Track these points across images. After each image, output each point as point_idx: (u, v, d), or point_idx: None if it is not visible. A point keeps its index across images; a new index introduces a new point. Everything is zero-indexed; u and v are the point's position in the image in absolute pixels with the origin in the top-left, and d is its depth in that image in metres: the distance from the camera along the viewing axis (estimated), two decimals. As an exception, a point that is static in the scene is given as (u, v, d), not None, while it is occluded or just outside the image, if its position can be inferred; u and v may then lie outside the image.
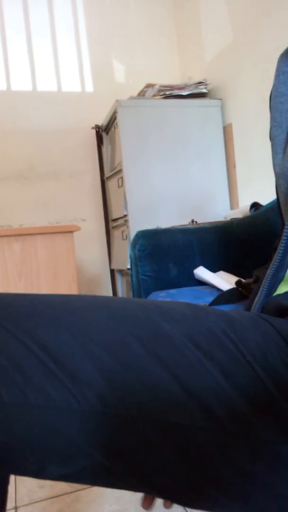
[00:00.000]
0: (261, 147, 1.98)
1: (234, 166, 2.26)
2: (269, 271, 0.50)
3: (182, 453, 0.35)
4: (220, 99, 2.30)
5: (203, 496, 0.36)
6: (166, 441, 0.35)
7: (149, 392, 0.35)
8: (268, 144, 0.55)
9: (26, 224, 2.57)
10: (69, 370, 0.34)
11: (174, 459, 0.35)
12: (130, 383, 0.35)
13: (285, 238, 0.47)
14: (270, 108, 0.54)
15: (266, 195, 1.77)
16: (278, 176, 0.51)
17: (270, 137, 0.54)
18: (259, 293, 0.52)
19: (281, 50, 0.55)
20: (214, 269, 1.34)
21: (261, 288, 0.52)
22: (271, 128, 0.53)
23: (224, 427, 0.35)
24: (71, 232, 1.61)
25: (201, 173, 2.29)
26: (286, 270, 0.49)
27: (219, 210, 2.29)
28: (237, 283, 1.01)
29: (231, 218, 2.01)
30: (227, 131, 2.30)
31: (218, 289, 1.21)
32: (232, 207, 2.30)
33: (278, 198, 0.60)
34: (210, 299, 1.10)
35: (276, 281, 0.50)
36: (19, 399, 0.33)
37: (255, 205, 1.79)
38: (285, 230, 0.47)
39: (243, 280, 1.00)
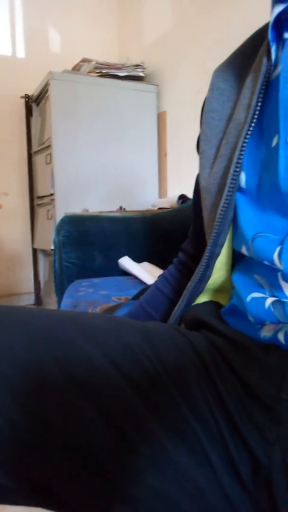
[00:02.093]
0: (192, 138, 2.01)
1: (165, 155, 2.28)
2: (190, 284, 0.51)
3: (92, 473, 0.35)
4: (157, 85, 2.28)
5: None
6: (77, 462, 0.34)
7: (61, 414, 0.34)
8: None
9: None
10: None
11: (84, 480, 0.35)
12: (42, 406, 0.34)
13: (208, 253, 0.48)
14: (200, 121, 0.53)
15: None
16: (203, 190, 0.51)
17: (197, 150, 0.54)
18: (179, 303, 0.53)
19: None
20: (139, 260, 1.34)
21: (181, 299, 0.52)
22: (200, 141, 0.52)
23: (135, 449, 0.35)
24: (-8, 209, 1.51)
25: (133, 158, 2.28)
26: (206, 283, 0.50)
27: (148, 197, 2.30)
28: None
29: (159, 208, 2.03)
30: (161, 118, 2.30)
31: (141, 281, 1.22)
32: (160, 196, 2.33)
33: (195, 204, 0.61)
34: (133, 291, 1.11)
35: (196, 293, 0.51)
36: None
37: (182, 197, 1.82)
38: (208, 246, 0.48)
39: (166, 276, 1.02)
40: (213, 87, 0.52)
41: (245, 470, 0.35)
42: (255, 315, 0.42)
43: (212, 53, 1.81)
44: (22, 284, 2.61)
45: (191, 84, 2.01)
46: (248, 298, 0.43)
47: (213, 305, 0.52)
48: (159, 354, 0.39)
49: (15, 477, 0.34)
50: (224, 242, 0.47)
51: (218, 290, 0.54)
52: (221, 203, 0.45)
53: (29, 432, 0.33)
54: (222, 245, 0.47)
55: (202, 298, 0.53)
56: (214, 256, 0.48)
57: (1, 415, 0.32)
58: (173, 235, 1.42)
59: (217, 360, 0.41)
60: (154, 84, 2.29)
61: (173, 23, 2.12)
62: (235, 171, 0.45)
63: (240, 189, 0.46)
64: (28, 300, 2.62)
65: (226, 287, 0.53)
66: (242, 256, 0.48)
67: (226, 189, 0.45)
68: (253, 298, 0.42)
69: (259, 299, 0.42)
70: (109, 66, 2.23)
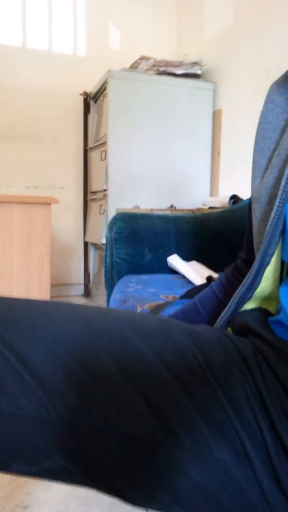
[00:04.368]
0: (248, 138, 1.99)
1: (219, 154, 2.27)
2: (239, 291, 0.52)
3: (140, 463, 0.38)
4: (213, 83, 2.27)
5: (155, 501, 0.39)
6: (127, 452, 0.37)
7: (116, 406, 0.37)
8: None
9: (2, 185, 2.50)
10: (43, 382, 0.36)
11: (132, 468, 0.38)
12: (99, 397, 0.37)
13: (258, 262, 0.49)
14: (256, 132, 0.55)
15: (247, 187, 1.79)
16: (253, 199, 0.52)
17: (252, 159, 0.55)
18: (226, 308, 0.54)
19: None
20: (187, 258, 1.36)
21: (229, 305, 0.54)
22: (253, 151, 0.54)
23: (181, 444, 0.37)
24: (49, 204, 1.59)
25: (185, 156, 2.29)
26: (254, 291, 0.52)
27: (199, 195, 2.31)
28: (208, 279, 1.04)
29: (209, 207, 2.03)
30: (216, 116, 2.28)
31: (189, 280, 1.24)
32: (212, 195, 2.32)
33: (250, 213, 0.62)
34: (180, 290, 1.13)
35: (244, 299, 0.53)
36: None
37: (234, 197, 1.82)
38: (258, 256, 0.49)
39: (213, 277, 1.03)
40: (268, 100, 0.53)
41: (284, 475, 0.37)
42: None
43: (272, 51, 1.77)
44: (73, 275, 2.71)
45: (249, 82, 1.98)
46: None
47: (261, 312, 0.54)
48: (206, 356, 0.42)
49: (72, 460, 0.37)
50: (274, 252, 0.48)
51: (267, 298, 0.55)
52: (272, 214, 0.47)
53: (85, 419, 0.36)
54: (272, 255, 0.48)
55: (250, 305, 0.55)
56: (263, 265, 0.49)
57: (62, 402, 0.36)
58: (223, 236, 1.43)
59: (262, 367, 0.42)
60: (211, 82, 2.28)
61: (233, 20, 2.10)
62: (286, 183, 0.46)
63: None
64: (77, 291, 2.72)
65: (275, 295, 0.54)
66: None
67: (277, 200, 0.46)
68: None
69: None
70: (166, 63, 2.25)
